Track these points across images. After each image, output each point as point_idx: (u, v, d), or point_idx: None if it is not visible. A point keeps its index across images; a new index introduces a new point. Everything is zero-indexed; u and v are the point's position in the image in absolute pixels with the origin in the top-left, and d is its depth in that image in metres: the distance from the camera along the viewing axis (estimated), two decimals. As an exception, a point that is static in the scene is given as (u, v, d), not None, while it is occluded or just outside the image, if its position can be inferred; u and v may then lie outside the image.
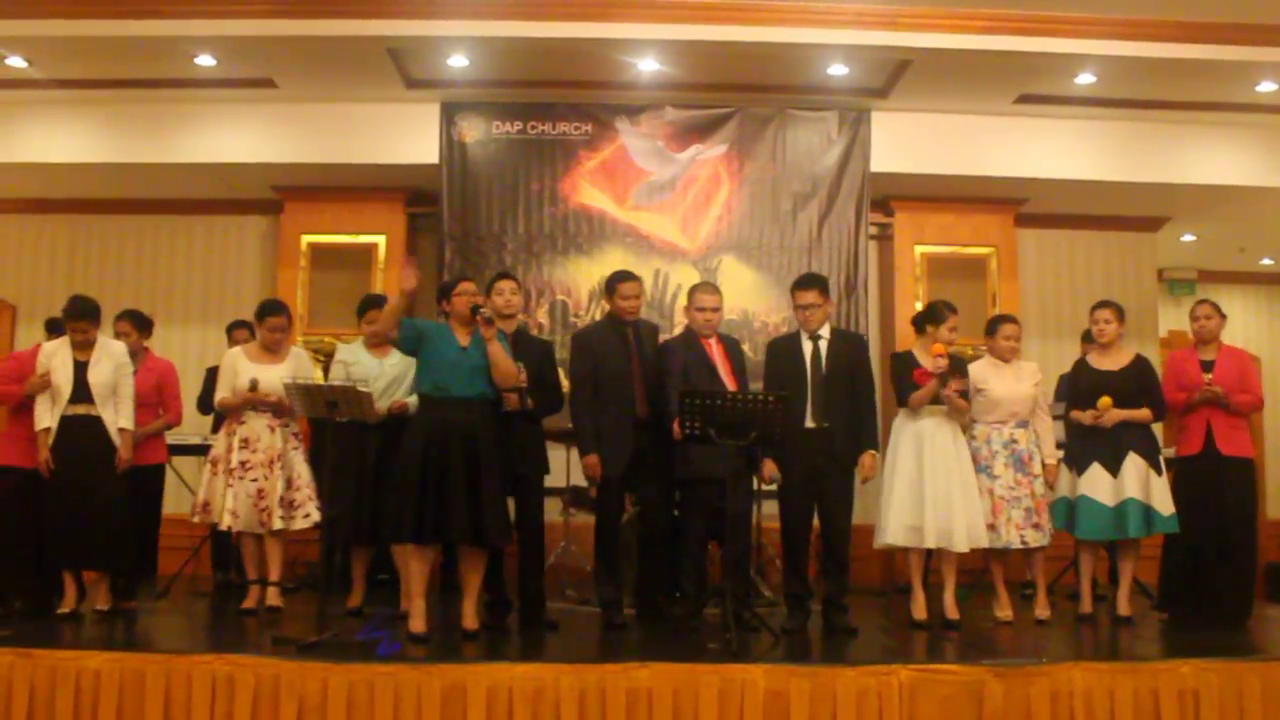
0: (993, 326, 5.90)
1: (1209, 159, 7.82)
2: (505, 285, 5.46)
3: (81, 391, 5.39)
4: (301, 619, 5.31)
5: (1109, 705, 4.39)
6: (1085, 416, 5.64)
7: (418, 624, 4.88)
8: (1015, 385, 5.69)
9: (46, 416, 5.41)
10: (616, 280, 5.56)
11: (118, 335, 5.84)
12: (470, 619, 5.00)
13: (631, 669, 4.35)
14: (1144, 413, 5.65)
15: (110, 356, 5.49)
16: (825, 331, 5.49)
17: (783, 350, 5.54)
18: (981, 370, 5.76)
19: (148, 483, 5.86)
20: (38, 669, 4.40)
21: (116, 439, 5.43)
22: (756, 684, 4.32)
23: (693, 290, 5.67)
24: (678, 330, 6.66)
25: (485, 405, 5.05)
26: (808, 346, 5.45)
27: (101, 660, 4.41)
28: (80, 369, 5.42)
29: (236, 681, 4.32)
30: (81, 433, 5.40)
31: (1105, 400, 5.58)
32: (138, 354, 5.84)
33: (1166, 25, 6.64)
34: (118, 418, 5.45)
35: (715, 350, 5.52)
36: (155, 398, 5.84)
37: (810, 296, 5.43)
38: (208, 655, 4.43)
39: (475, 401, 4.99)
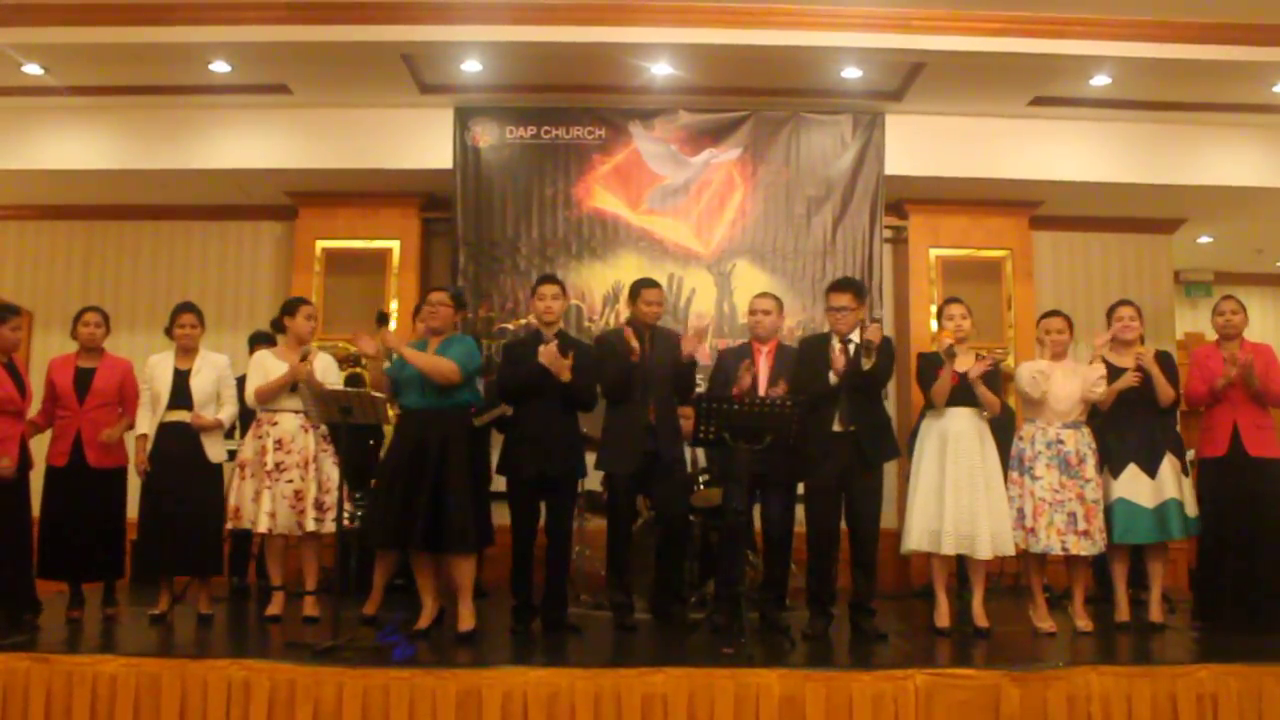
0: (1039, 322, 5.77)
1: (1225, 160, 7.77)
2: (546, 290, 5.45)
3: (181, 398, 5.53)
4: (317, 623, 5.37)
5: (1126, 710, 4.37)
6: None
7: (423, 621, 5.12)
8: (1064, 384, 5.46)
9: (145, 423, 5.55)
10: (641, 286, 5.62)
11: (86, 326, 5.69)
12: (465, 620, 5.07)
13: (646, 674, 4.35)
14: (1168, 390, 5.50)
15: (213, 367, 5.65)
16: (856, 336, 5.34)
17: (814, 349, 5.42)
18: (1031, 370, 5.56)
19: (111, 486, 5.67)
20: (54, 674, 4.42)
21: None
22: (771, 689, 4.31)
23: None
24: (691, 333, 6.62)
25: (438, 414, 5.11)
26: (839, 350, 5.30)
27: (117, 665, 4.43)
28: (181, 376, 5.55)
29: (252, 686, 4.34)
30: (178, 439, 5.50)
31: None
32: (96, 351, 5.72)
33: (1182, 26, 6.60)
34: (218, 414, 5.60)
35: (761, 360, 5.50)
36: (118, 397, 5.69)
37: (844, 299, 5.36)
38: (223, 660, 4.44)
39: (426, 412, 5.11)
